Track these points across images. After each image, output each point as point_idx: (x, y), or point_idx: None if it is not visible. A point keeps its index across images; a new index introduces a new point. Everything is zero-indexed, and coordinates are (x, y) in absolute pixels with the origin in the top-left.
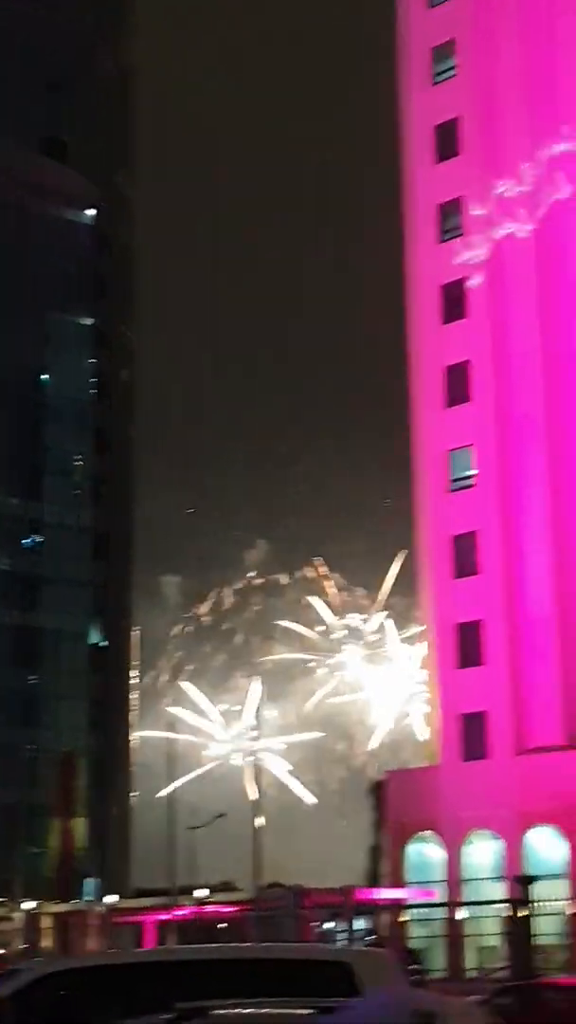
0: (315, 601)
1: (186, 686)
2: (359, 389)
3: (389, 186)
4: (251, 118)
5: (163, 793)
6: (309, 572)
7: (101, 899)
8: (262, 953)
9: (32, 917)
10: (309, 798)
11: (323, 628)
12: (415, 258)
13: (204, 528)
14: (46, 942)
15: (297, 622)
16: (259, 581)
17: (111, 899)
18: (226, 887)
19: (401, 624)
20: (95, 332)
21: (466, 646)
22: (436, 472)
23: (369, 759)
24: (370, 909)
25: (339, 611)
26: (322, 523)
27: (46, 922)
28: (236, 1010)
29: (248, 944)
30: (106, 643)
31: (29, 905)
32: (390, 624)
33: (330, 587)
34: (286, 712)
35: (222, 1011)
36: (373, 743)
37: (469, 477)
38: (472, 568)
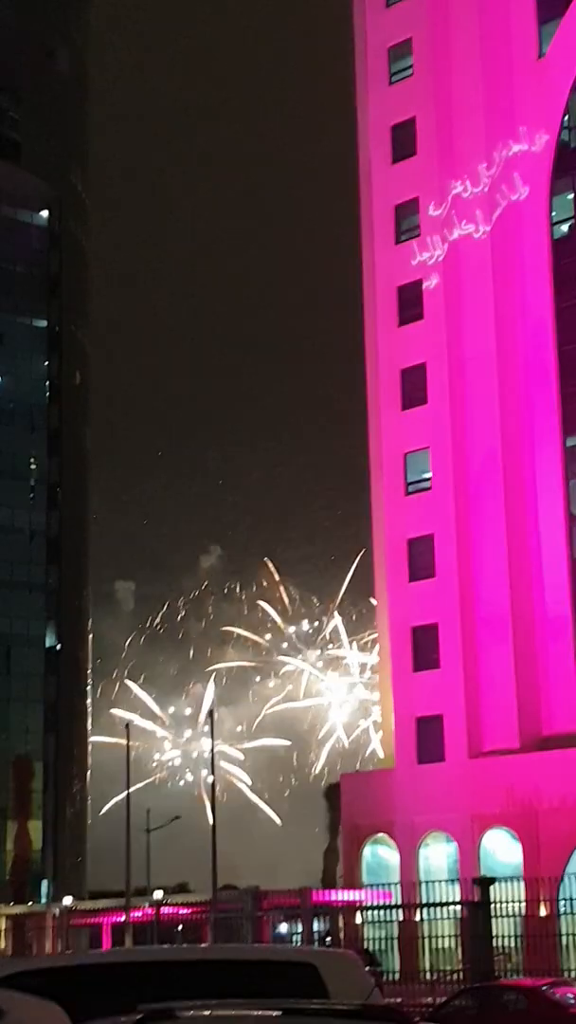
0: (267, 607)
1: (138, 690)
2: (314, 391)
3: (346, 186)
4: (206, 118)
5: (119, 797)
6: (262, 577)
7: (56, 901)
8: (225, 954)
9: None
10: (260, 802)
11: (275, 634)
12: (371, 259)
13: (157, 533)
14: (1, 944)
15: (250, 627)
16: (212, 587)
17: (67, 901)
18: (181, 889)
19: (355, 630)
20: (48, 334)
21: (421, 649)
22: (392, 475)
23: (322, 762)
24: (327, 911)
25: (292, 616)
26: (275, 528)
27: (0, 924)
28: (203, 1011)
29: (210, 945)
30: (60, 646)
31: None
32: (342, 629)
33: (282, 592)
34: (239, 717)
35: (189, 1012)
36: (326, 747)
37: (425, 480)
38: (428, 571)
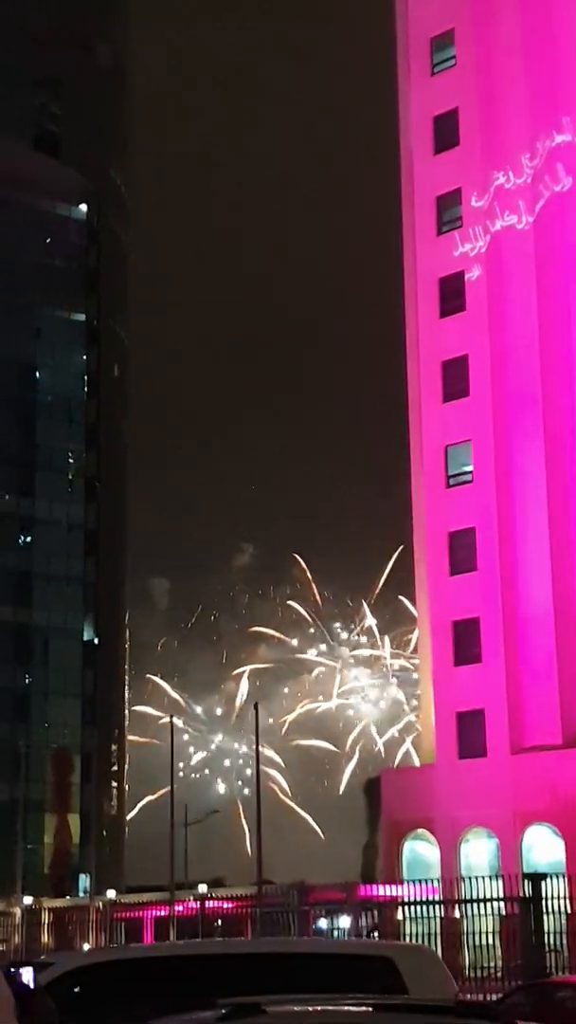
0: (298, 607)
1: (169, 689)
2: (353, 385)
3: (387, 178)
4: (246, 111)
5: (159, 794)
6: (294, 576)
7: (100, 894)
8: (300, 947)
9: (31, 912)
10: (295, 805)
11: (307, 633)
12: (413, 250)
13: (191, 530)
14: (44, 938)
15: (283, 627)
16: (245, 585)
17: (111, 894)
18: (217, 884)
19: (386, 627)
20: (87, 328)
21: (462, 644)
22: (433, 468)
23: (354, 761)
24: (372, 905)
25: (324, 615)
26: (307, 526)
27: (43, 918)
28: (292, 1007)
29: (283, 938)
30: (98, 640)
31: (28, 900)
32: (376, 628)
33: (315, 591)
34: (272, 715)
35: (278, 1008)
36: (358, 745)
37: (467, 472)
38: (469, 565)
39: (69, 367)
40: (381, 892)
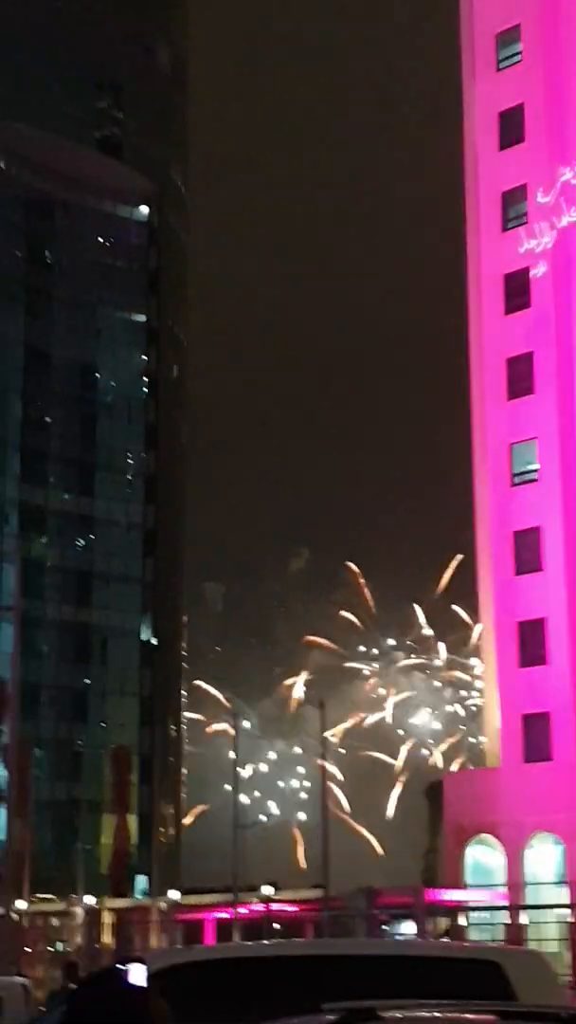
0: (353, 614)
1: (219, 695)
2: (418, 384)
3: (451, 174)
4: (307, 112)
5: (227, 788)
6: (349, 581)
7: (153, 896)
8: (403, 949)
9: (93, 913)
10: (343, 810)
11: (362, 639)
12: (477, 247)
13: (248, 534)
14: (106, 938)
15: (338, 632)
16: (300, 590)
17: (174, 895)
18: (250, 889)
19: (444, 633)
20: (147, 328)
21: (528, 644)
22: (497, 466)
23: (413, 765)
24: (442, 911)
25: (379, 620)
26: (363, 530)
27: (104, 918)
28: (412, 1012)
29: (386, 940)
30: (156, 640)
31: (90, 900)
32: (431, 635)
33: (367, 597)
34: (327, 721)
35: (397, 1013)
36: (414, 751)
37: (532, 471)
38: (535, 564)
39: (129, 368)
40: (447, 897)
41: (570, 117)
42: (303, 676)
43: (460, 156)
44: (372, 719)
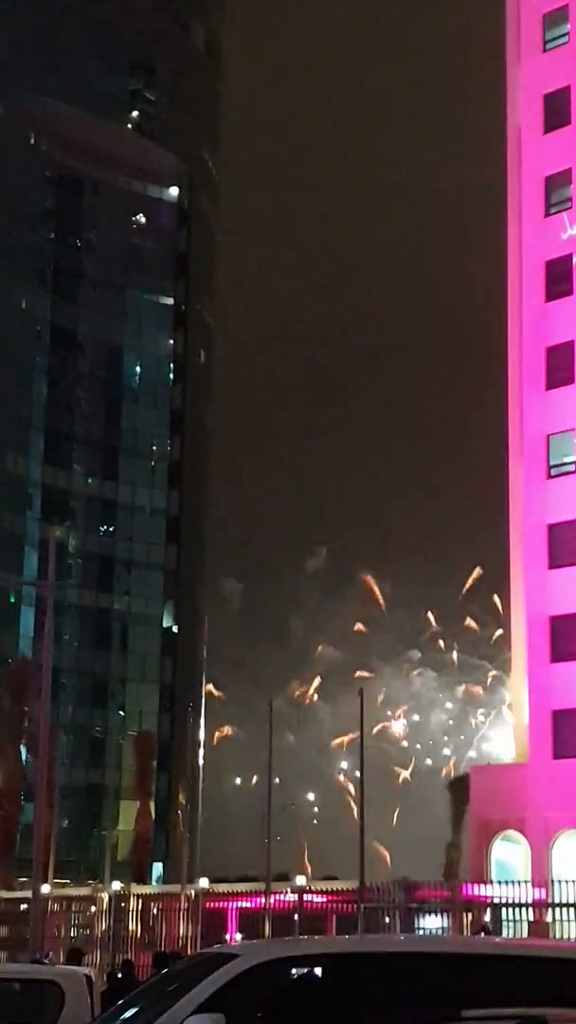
0: (371, 612)
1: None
2: (453, 374)
3: (493, 157)
4: (342, 93)
5: (237, 782)
6: (367, 582)
7: (177, 882)
8: (531, 950)
9: (119, 898)
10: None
11: (377, 637)
12: (518, 232)
13: (268, 528)
14: (132, 925)
15: (352, 632)
16: (317, 589)
17: (203, 882)
18: (281, 878)
19: (455, 632)
20: (174, 312)
21: (560, 639)
22: (533, 457)
23: (432, 763)
24: (478, 906)
25: (400, 620)
26: (383, 531)
27: (132, 904)
28: None
29: (491, 938)
30: (177, 628)
31: (117, 886)
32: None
33: (378, 595)
34: (339, 720)
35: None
36: (431, 748)
37: (569, 463)
38: (570, 558)
39: (156, 351)
40: (481, 892)
41: None
42: (316, 678)
43: (503, 139)
44: (387, 717)
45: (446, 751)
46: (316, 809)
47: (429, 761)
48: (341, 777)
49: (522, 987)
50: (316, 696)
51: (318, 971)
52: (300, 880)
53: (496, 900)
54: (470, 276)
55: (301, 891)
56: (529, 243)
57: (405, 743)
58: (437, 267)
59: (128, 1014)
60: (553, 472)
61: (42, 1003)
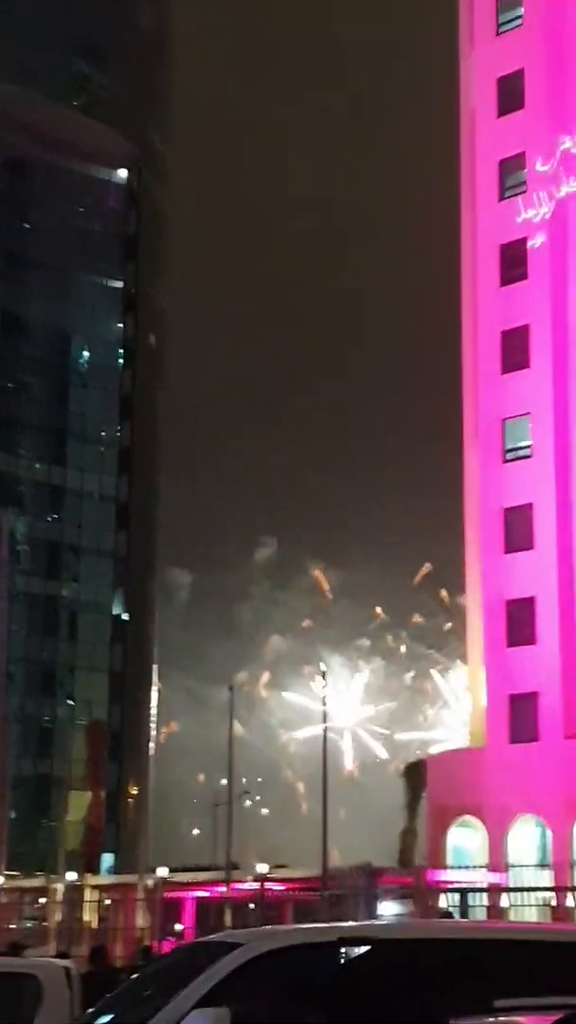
0: (319, 603)
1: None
2: (408, 359)
3: (447, 141)
4: (294, 75)
5: (236, 778)
6: (314, 573)
7: (129, 873)
8: (548, 935)
9: (74, 890)
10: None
11: (324, 628)
12: (472, 216)
13: (217, 519)
14: (86, 916)
15: (298, 620)
16: (265, 580)
17: (162, 872)
18: (232, 867)
19: (400, 622)
20: (124, 295)
21: (516, 624)
22: (489, 442)
23: (383, 751)
24: (441, 892)
25: (346, 611)
26: (334, 523)
27: (87, 895)
28: None
29: (514, 923)
30: (127, 616)
31: (72, 876)
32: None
33: (323, 585)
34: (286, 710)
35: None
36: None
37: (524, 447)
38: (525, 542)
39: (105, 335)
40: (448, 879)
41: (571, 84)
42: (264, 666)
43: (456, 122)
44: (331, 705)
45: (397, 739)
46: (259, 799)
47: (381, 750)
48: (290, 773)
49: (561, 975)
50: (265, 687)
51: (330, 959)
52: (262, 868)
53: (463, 885)
54: (425, 261)
55: (263, 879)
56: (484, 227)
57: (356, 732)
58: (391, 252)
59: (119, 1009)
60: (508, 457)
61: (19, 998)
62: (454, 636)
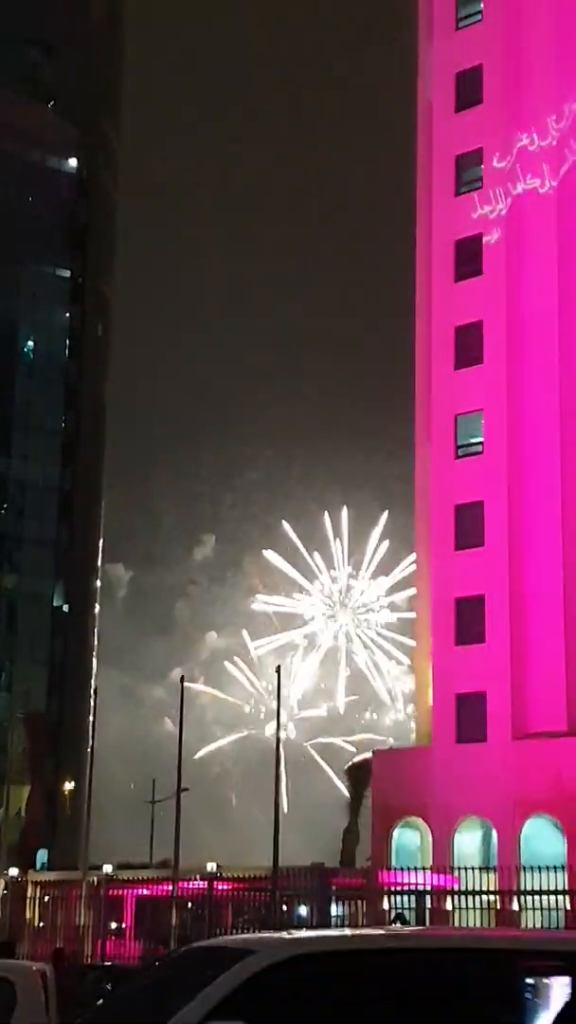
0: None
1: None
2: (361, 354)
3: (403, 135)
4: (248, 65)
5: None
6: (254, 570)
7: (66, 869)
8: (549, 944)
9: (16, 886)
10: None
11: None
12: (428, 211)
13: (159, 514)
14: (28, 913)
15: (239, 615)
16: (204, 576)
17: (107, 868)
18: (163, 865)
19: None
20: (71, 285)
21: (465, 622)
22: (441, 438)
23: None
24: (394, 892)
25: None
26: (273, 521)
27: (29, 892)
28: None
29: (523, 931)
30: (68, 607)
31: (13, 872)
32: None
33: (259, 580)
34: (218, 706)
35: None
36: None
37: (476, 443)
38: (476, 540)
39: (51, 325)
40: (403, 880)
41: (530, 81)
42: (200, 664)
43: (413, 117)
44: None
45: (332, 737)
46: (189, 792)
47: (315, 747)
48: (217, 769)
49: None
50: (200, 684)
51: (350, 970)
52: (211, 866)
53: (419, 887)
54: (380, 255)
55: (212, 878)
56: (439, 223)
57: (291, 729)
58: (346, 246)
59: (121, 1018)
60: (460, 453)
61: None
62: (394, 631)
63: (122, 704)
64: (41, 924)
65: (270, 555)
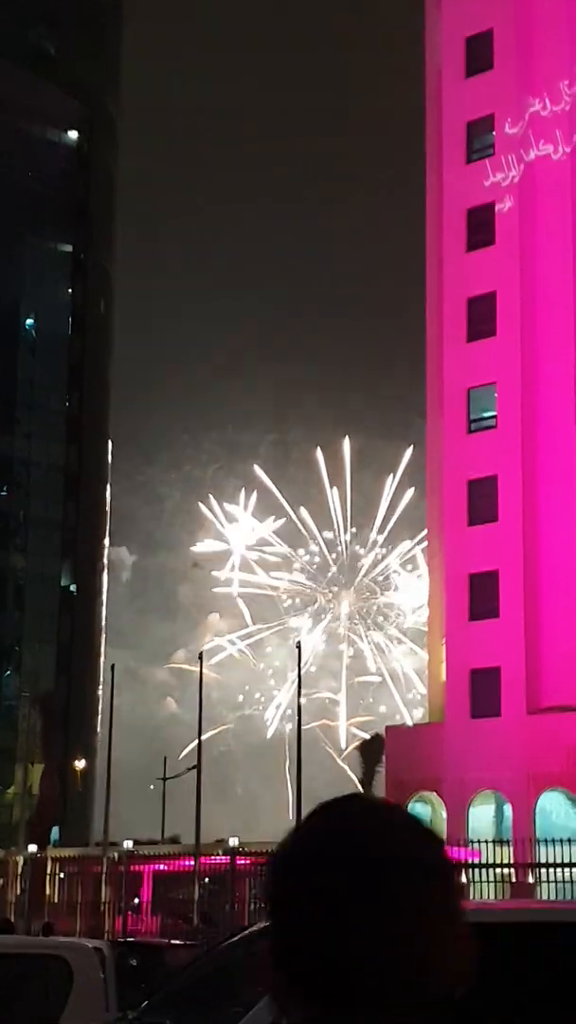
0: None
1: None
2: (371, 328)
3: (413, 101)
4: (250, 38)
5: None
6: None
7: (77, 846)
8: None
9: (35, 862)
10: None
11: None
12: (438, 179)
13: (162, 495)
14: (48, 890)
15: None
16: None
17: (127, 844)
18: (173, 841)
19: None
20: (73, 260)
21: (479, 597)
22: (453, 412)
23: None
24: None
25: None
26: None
27: (48, 868)
28: None
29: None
30: (75, 588)
31: (32, 848)
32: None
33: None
34: (228, 686)
35: None
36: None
37: (489, 417)
38: (490, 515)
39: (53, 300)
40: None
41: (542, 45)
42: (203, 649)
43: (422, 83)
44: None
45: (337, 715)
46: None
47: (322, 726)
48: (222, 748)
49: None
50: (203, 666)
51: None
52: (233, 841)
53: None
54: (389, 224)
55: (235, 853)
56: (450, 191)
57: (294, 708)
58: (354, 216)
59: (180, 1011)
60: (473, 427)
61: (45, 982)
62: (396, 611)
63: (125, 685)
64: (55, 900)
65: (272, 538)
